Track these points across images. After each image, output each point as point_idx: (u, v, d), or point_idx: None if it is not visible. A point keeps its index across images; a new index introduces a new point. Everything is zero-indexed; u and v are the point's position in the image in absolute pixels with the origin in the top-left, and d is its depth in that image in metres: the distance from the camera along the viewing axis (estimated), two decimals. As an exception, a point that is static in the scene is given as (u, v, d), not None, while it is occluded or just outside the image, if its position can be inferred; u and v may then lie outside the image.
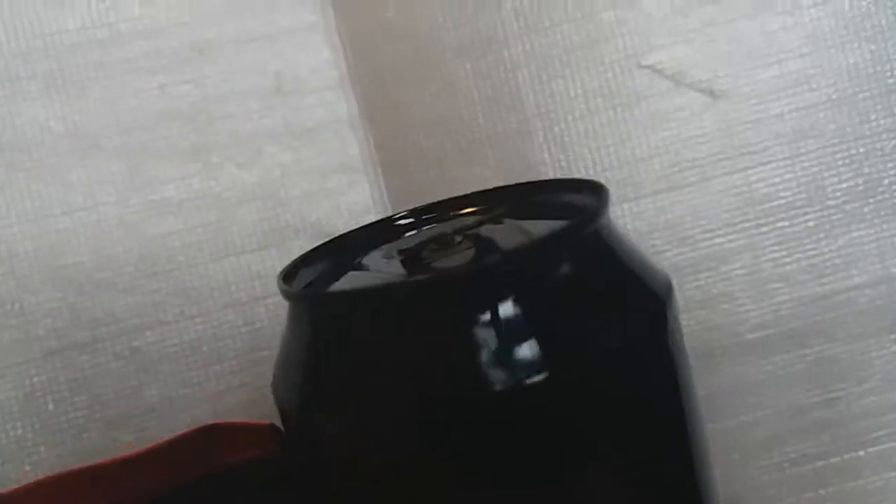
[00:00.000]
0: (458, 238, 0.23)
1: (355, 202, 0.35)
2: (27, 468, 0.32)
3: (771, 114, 0.33)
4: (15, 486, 0.28)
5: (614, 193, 0.33)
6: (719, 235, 0.33)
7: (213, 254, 0.34)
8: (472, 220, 0.24)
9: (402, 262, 0.23)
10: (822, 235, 0.33)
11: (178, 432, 0.22)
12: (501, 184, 0.34)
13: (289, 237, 0.34)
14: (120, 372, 0.33)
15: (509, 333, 0.20)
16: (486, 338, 0.20)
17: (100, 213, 0.33)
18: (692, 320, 0.33)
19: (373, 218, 0.34)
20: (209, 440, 0.21)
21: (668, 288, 0.23)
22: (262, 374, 0.33)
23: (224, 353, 0.34)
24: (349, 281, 0.23)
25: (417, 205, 0.34)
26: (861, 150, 0.33)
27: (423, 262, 0.22)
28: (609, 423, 0.20)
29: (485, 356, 0.19)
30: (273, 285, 0.34)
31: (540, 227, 0.23)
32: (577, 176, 0.33)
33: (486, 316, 0.20)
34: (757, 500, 0.34)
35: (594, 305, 0.21)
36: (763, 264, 0.33)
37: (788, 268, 0.33)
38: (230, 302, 0.34)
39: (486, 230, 0.23)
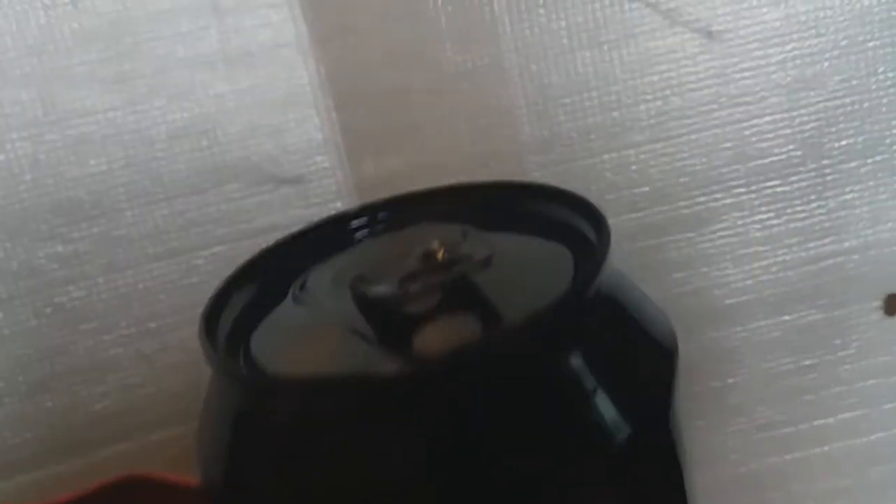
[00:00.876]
0: (423, 270, 0.19)
1: (303, 140, 0.31)
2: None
3: (772, 60, 0.30)
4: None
5: (595, 142, 0.30)
6: (705, 194, 0.31)
7: (142, 198, 0.30)
8: (437, 234, 0.20)
9: (356, 302, 0.19)
10: (813, 197, 0.31)
11: (97, 481, 0.19)
12: (470, 130, 0.31)
13: (227, 179, 0.31)
14: (41, 331, 0.30)
15: (496, 437, 0.16)
16: (467, 440, 0.16)
17: (10, 150, 0.29)
18: (670, 283, 0.31)
19: (322, 161, 0.31)
20: (127, 496, 0.18)
21: (675, 347, 0.20)
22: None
23: (158, 310, 0.31)
24: (289, 322, 0.20)
25: (375, 146, 0.31)
26: (865, 105, 0.30)
27: (379, 309, 0.18)
28: None
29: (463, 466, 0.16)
30: (212, 233, 0.31)
31: (521, 249, 0.20)
32: (557, 123, 0.30)
33: (470, 413, 0.16)
34: (721, 465, 0.33)
35: (594, 387, 0.17)
36: (749, 226, 0.31)
37: (775, 230, 0.31)
38: (163, 253, 0.30)
39: (458, 256, 0.19)
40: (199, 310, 0.32)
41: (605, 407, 0.17)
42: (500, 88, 0.30)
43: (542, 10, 0.29)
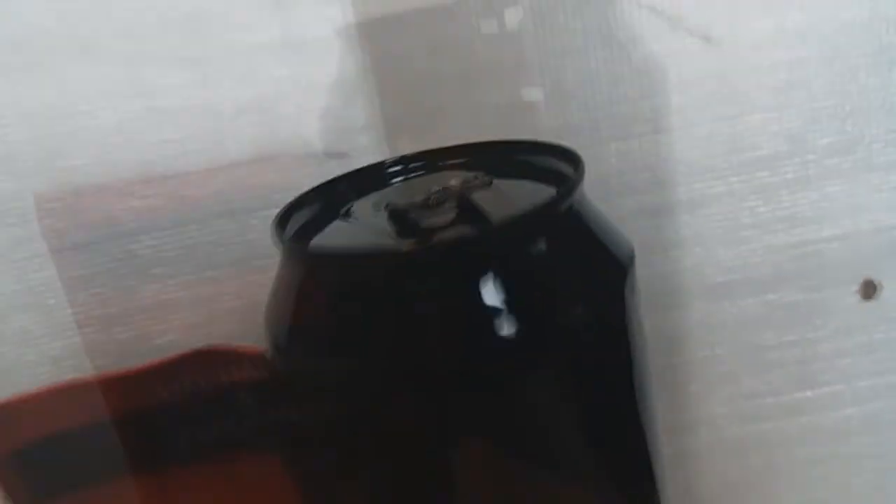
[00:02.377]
0: (443, 197, 0.24)
1: (348, 121, 0.35)
2: (30, 357, 0.34)
3: (763, 64, 0.33)
4: (18, 372, 0.30)
5: (604, 132, 0.35)
6: (700, 181, 0.34)
7: (209, 163, 0.35)
8: (456, 176, 0.25)
9: (389, 215, 0.24)
10: (798, 188, 0.34)
11: (176, 352, 0.23)
12: (494, 116, 0.35)
13: (281, 152, 0.35)
14: (117, 273, 0.35)
15: (484, 303, 0.21)
16: (463, 306, 0.21)
17: (99, 117, 0.34)
18: (666, 260, 0.35)
19: (364, 140, 0.35)
20: (204, 361, 0.22)
21: (631, 258, 0.24)
22: (254, 283, 0.35)
23: (218, 261, 0.35)
24: (338, 231, 0.25)
25: (411, 127, 0.35)
26: (847, 107, 0.34)
27: (409, 221, 0.23)
28: (571, 387, 0.22)
29: (461, 324, 0.21)
30: (267, 198, 0.36)
31: (518, 190, 0.24)
32: (570, 114, 0.34)
33: (465, 286, 0.21)
34: (706, 428, 0.37)
35: (565, 277, 0.22)
36: (739, 212, 0.35)
37: (763, 217, 0.35)
38: (224, 212, 0.35)
39: (469, 189, 0.24)
40: (254, 263, 0.37)
41: (568, 291, 0.21)
42: (522, 81, 0.34)
43: (561, 15, 0.34)
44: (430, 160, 0.28)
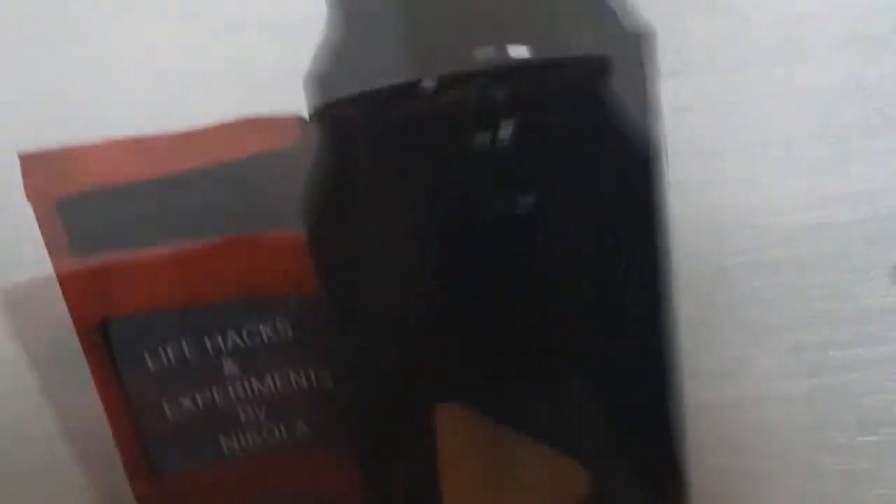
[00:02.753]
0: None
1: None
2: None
3: (804, 44, 0.34)
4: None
5: (662, 65, 0.35)
6: (754, 120, 0.35)
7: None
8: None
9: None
10: (855, 135, 0.34)
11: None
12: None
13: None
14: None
15: (507, 160, 0.21)
16: (485, 162, 0.21)
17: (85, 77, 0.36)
18: (712, 197, 0.35)
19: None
20: (241, 129, 0.22)
21: (657, 151, 0.24)
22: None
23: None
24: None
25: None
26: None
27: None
28: (587, 258, 0.22)
29: (481, 181, 0.21)
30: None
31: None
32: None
33: (486, 141, 0.21)
34: (748, 383, 0.36)
35: (591, 144, 0.22)
36: (791, 155, 0.35)
37: (816, 165, 0.35)
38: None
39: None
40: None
41: (591, 160, 0.22)
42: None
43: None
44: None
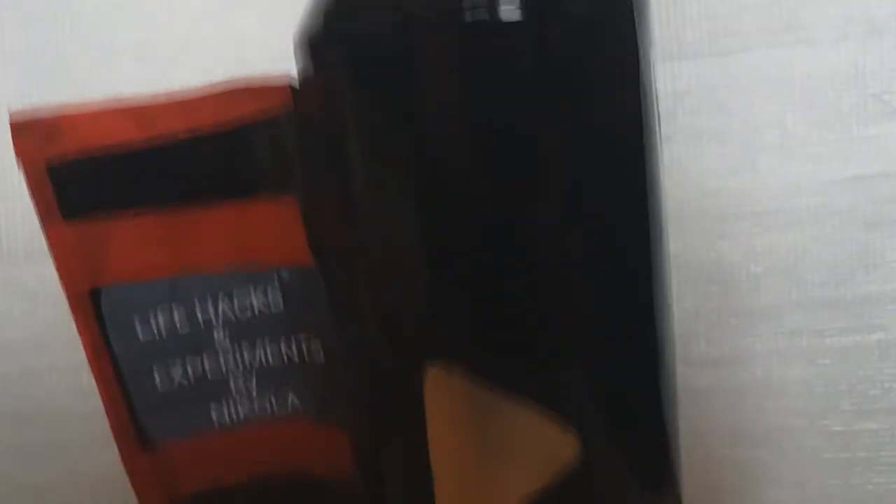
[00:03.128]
0: None
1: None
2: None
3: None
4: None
5: (660, 49, 0.35)
6: (752, 105, 0.35)
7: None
8: None
9: None
10: (853, 122, 0.34)
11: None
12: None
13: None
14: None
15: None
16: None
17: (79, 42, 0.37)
18: (712, 184, 0.35)
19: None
20: (233, 94, 0.22)
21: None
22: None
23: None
24: None
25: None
26: (906, 45, 0.34)
27: None
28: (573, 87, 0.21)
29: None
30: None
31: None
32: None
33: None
34: (745, 368, 0.36)
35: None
36: (789, 140, 0.34)
37: (815, 149, 0.34)
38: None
39: None
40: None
41: None
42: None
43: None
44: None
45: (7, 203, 0.38)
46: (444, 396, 0.19)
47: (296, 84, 0.22)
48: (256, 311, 0.23)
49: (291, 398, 0.24)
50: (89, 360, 0.24)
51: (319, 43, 0.22)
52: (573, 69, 0.21)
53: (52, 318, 0.37)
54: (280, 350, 0.23)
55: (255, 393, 0.24)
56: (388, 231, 0.20)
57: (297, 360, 0.23)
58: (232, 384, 0.24)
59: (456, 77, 0.20)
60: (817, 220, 0.35)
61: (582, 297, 0.21)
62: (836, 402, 0.36)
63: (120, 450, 0.24)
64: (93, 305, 0.23)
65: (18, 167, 0.22)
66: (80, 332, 0.23)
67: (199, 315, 0.23)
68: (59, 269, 0.23)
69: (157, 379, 0.24)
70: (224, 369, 0.24)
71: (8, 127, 0.22)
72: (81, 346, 0.36)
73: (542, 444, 0.19)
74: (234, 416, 0.24)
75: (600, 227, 0.22)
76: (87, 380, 0.36)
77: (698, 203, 0.35)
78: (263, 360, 0.24)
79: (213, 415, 0.24)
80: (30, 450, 0.38)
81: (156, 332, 0.23)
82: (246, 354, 0.24)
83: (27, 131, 0.22)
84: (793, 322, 0.35)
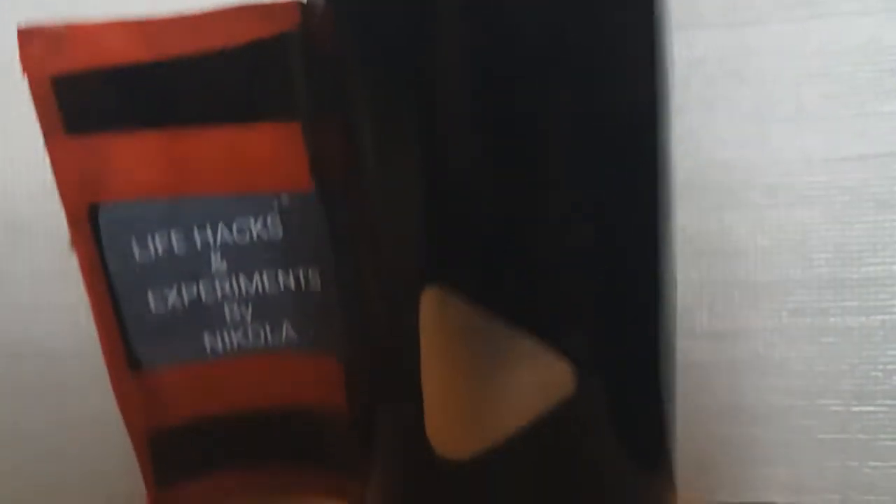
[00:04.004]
0: None
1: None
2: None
3: None
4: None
5: (675, 17, 0.35)
6: (767, 77, 0.34)
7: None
8: None
9: None
10: (870, 98, 0.34)
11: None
12: None
13: None
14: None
15: None
16: None
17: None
18: (723, 155, 0.35)
19: None
20: (241, 14, 0.22)
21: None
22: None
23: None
24: None
25: None
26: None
27: None
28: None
29: None
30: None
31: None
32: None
33: None
34: (747, 343, 0.35)
35: None
36: (803, 114, 0.34)
37: (828, 124, 0.34)
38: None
39: None
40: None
41: None
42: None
43: None
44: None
45: (10, 138, 0.38)
46: (439, 320, 0.19)
47: (304, 5, 0.22)
48: (255, 238, 0.23)
49: (286, 328, 0.24)
50: (84, 280, 0.23)
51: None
52: (588, 33, 0.21)
53: (52, 256, 0.37)
54: (277, 279, 0.23)
55: (249, 322, 0.24)
56: (390, 156, 0.20)
57: (293, 289, 0.23)
58: (227, 312, 0.24)
59: (465, 23, 0.20)
60: (827, 197, 0.34)
61: (586, 242, 0.21)
62: (837, 383, 0.36)
63: (110, 371, 0.24)
64: (91, 223, 0.23)
65: (23, 77, 0.22)
66: (77, 250, 0.23)
67: (198, 239, 0.23)
68: (59, 183, 0.22)
69: (152, 303, 0.24)
70: (219, 296, 0.24)
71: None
72: (80, 285, 0.36)
73: (538, 376, 0.19)
74: (227, 345, 0.24)
75: (607, 177, 0.22)
76: (84, 320, 0.37)
77: (708, 173, 0.35)
78: (260, 288, 0.24)
79: (206, 342, 0.24)
80: (22, 387, 0.38)
81: (153, 254, 0.23)
82: (242, 282, 0.23)
83: (34, 42, 0.22)
84: (797, 299, 0.35)
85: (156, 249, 0.23)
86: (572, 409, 0.19)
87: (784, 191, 0.35)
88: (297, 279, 0.23)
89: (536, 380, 0.19)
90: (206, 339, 0.24)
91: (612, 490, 0.22)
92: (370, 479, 0.23)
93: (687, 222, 0.35)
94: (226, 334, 0.24)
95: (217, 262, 0.23)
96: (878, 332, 0.35)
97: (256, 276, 0.23)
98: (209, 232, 0.23)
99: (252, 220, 0.23)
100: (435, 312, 0.19)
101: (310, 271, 0.23)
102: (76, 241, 0.23)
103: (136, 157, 0.22)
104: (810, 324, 0.35)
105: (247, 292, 0.24)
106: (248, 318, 0.24)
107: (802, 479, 0.36)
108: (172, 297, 0.23)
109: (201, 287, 0.24)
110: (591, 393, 0.20)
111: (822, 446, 0.36)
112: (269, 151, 0.22)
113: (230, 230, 0.23)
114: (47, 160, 0.23)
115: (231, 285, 0.24)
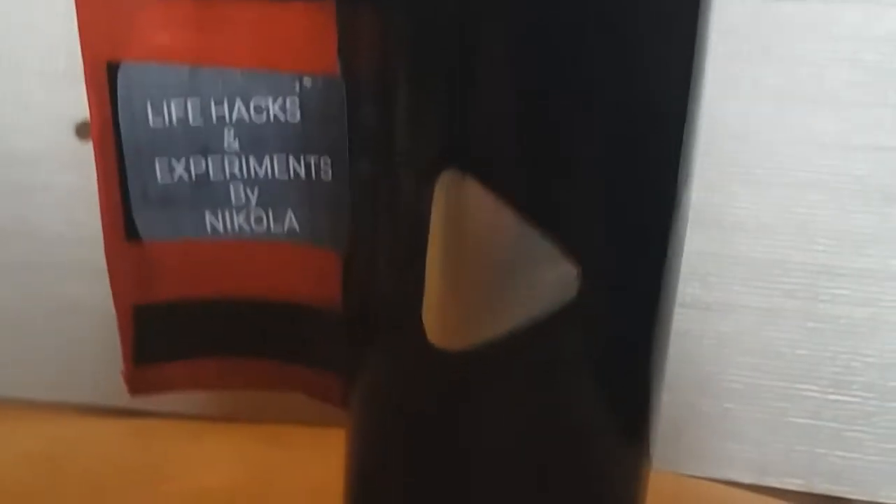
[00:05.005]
0: None
1: None
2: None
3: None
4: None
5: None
6: (793, 55, 0.34)
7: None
8: None
9: None
10: (893, 89, 0.34)
11: None
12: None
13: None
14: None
15: None
16: None
17: None
18: (740, 128, 0.35)
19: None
20: None
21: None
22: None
23: None
24: None
25: None
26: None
27: None
28: None
29: None
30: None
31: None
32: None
33: None
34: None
35: None
36: (823, 97, 0.34)
37: (846, 111, 0.34)
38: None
39: None
40: None
41: None
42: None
43: None
44: None
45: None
46: (453, 207, 0.18)
47: None
48: (272, 119, 0.23)
49: (290, 217, 0.23)
50: (94, 139, 0.23)
51: None
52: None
53: (54, 135, 0.36)
54: (288, 164, 0.23)
55: (253, 205, 0.24)
56: (421, 39, 0.19)
57: (303, 177, 0.23)
58: (232, 192, 0.24)
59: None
60: (836, 183, 0.35)
61: (612, 153, 0.20)
62: (817, 369, 0.36)
63: (105, 238, 0.24)
64: (108, 81, 0.22)
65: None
66: (91, 108, 0.23)
67: (213, 112, 0.23)
68: (81, 35, 0.22)
69: (158, 172, 0.23)
70: (227, 175, 0.23)
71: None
72: (78, 168, 0.35)
73: (544, 274, 0.19)
74: (228, 227, 0.24)
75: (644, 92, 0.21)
76: (80, 208, 0.36)
77: (720, 144, 0.35)
78: (269, 172, 0.23)
79: (207, 221, 0.24)
80: (7, 269, 0.38)
81: (166, 121, 0.23)
82: (252, 163, 0.23)
83: None
84: (792, 281, 0.35)
85: (170, 117, 0.23)
86: (573, 318, 0.19)
87: (794, 172, 0.35)
88: (308, 167, 0.23)
89: (542, 277, 0.19)
90: (208, 217, 0.24)
91: (592, 434, 0.22)
92: (357, 378, 0.23)
93: (694, 190, 0.35)
94: (228, 215, 0.24)
95: (230, 139, 0.23)
96: (865, 324, 0.35)
97: (267, 160, 0.23)
98: (226, 106, 0.23)
99: (271, 100, 0.23)
100: (450, 198, 0.18)
101: (322, 160, 0.23)
102: (91, 100, 0.22)
103: (162, 19, 0.22)
104: (800, 307, 0.35)
105: (255, 174, 0.23)
106: (253, 202, 0.24)
107: (768, 460, 0.37)
108: (180, 169, 0.23)
109: (210, 163, 0.23)
110: (592, 311, 0.20)
111: (792, 430, 0.36)
112: (298, 31, 0.22)
113: (247, 108, 0.23)
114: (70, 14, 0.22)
115: (241, 165, 0.23)
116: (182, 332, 0.25)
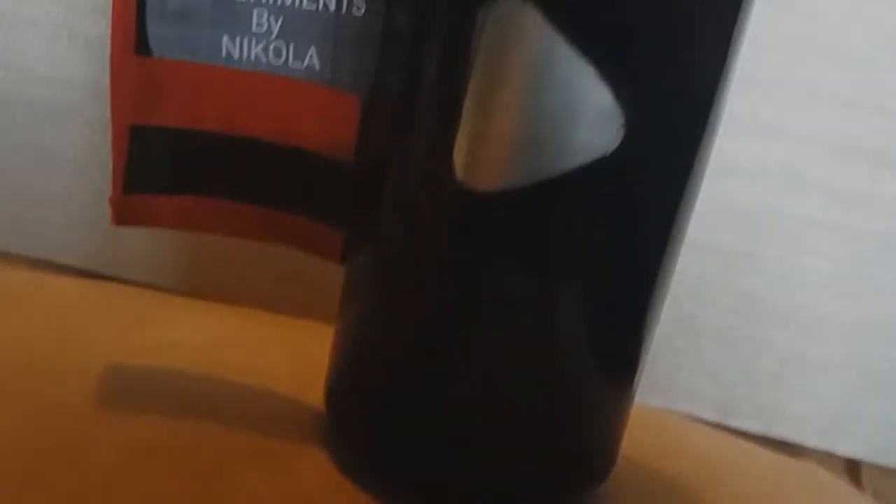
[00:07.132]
0: None
1: None
2: None
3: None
4: None
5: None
6: (816, 9, 0.34)
7: None
8: None
9: None
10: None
11: None
12: None
13: None
14: None
15: None
16: None
17: None
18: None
19: None
20: None
21: None
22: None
23: None
24: None
25: None
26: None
27: None
28: None
29: None
30: None
31: None
32: None
33: None
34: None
35: None
36: (839, 54, 0.34)
37: (864, 71, 0.34)
38: None
39: None
40: None
41: None
42: None
43: None
44: None
45: None
46: (501, 37, 0.18)
47: None
48: (307, -59, 0.22)
49: (311, 53, 0.22)
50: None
51: None
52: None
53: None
54: (319, -7, 0.22)
55: (274, 36, 0.22)
56: None
57: (332, 8, 0.22)
58: (254, 18, 0.22)
59: None
60: (833, 140, 0.35)
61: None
62: (790, 318, 0.36)
63: (113, 50, 0.22)
64: None
65: None
66: None
67: (247, -73, 0.21)
68: None
69: (179, -16, 0.22)
70: (252, -1, 0.22)
71: None
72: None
73: (587, 122, 0.18)
74: (245, 55, 0.23)
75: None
76: (72, 70, 0.35)
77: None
78: (297, 0, 0.22)
79: (224, 45, 0.22)
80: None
81: (197, -71, 0.21)
82: (281, -12, 0.22)
83: None
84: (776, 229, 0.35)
85: (202, -75, 0.21)
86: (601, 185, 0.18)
87: (782, 156, 0.35)
88: (339, 0, 0.22)
89: (582, 127, 0.18)
90: (225, 41, 0.22)
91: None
92: (365, 230, 0.22)
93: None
94: (246, 42, 0.22)
95: (260, -43, 0.22)
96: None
97: (297, -15, 0.22)
98: (261, -78, 0.21)
99: (308, -78, 0.21)
100: (498, 27, 0.18)
101: (356, -7, 0.22)
102: None
103: None
104: (782, 256, 0.36)
105: (282, 2, 0.22)
106: (275, 32, 0.22)
107: (732, 401, 0.37)
108: (203, -16, 0.22)
109: (236, -19, 0.22)
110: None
111: (759, 375, 0.36)
112: None
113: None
114: None
115: (267, -12, 0.22)
116: (177, 164, 0.24)
